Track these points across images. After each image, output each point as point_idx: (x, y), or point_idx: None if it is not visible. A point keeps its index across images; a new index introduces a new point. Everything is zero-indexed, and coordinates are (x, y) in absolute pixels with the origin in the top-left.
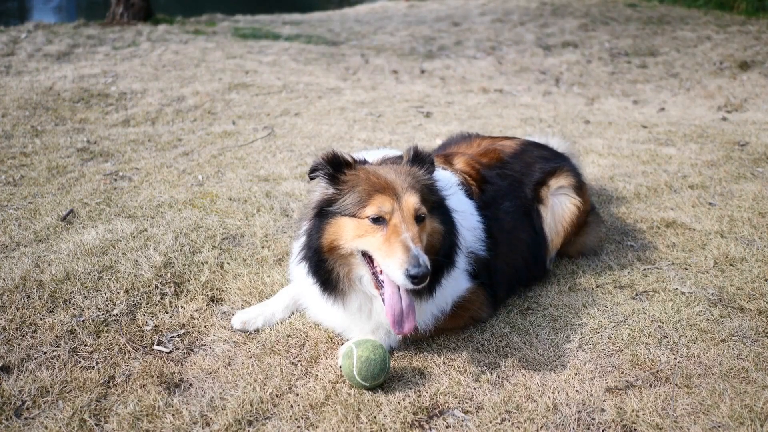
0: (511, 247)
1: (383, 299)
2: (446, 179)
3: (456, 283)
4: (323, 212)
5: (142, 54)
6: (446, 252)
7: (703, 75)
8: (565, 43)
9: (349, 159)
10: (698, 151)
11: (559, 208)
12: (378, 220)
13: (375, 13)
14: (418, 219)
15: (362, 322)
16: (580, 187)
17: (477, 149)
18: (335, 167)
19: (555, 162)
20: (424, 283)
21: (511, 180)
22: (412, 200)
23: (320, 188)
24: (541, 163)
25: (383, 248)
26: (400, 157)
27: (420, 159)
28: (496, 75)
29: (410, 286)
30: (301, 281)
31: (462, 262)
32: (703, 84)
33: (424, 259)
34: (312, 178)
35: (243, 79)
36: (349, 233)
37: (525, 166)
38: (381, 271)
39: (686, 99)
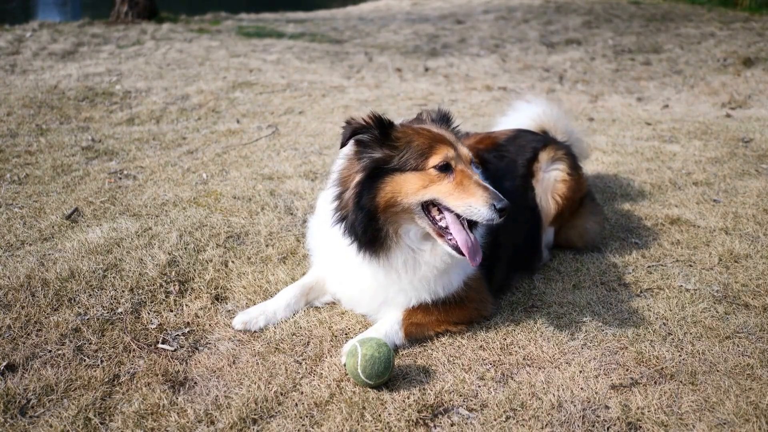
0: (512, 225)
1: (450, 242)
2: None
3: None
4: (378, 172)
5: (146, 53)
6: None
7: (707, 72)
8: (568, 40)
9: (390, 120)
10: (702, 148)
11: (549, 180)
12: (444, 168)
13: (379, 12)
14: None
15: (399, 281)
16: (570, 163)
17: (474, 139)
18: (382, 128)
19: (545, 140)
20: (506, 215)
21: (507, 161)
22: (465, 149)
23: (366, 155)
24: (534, 143)
25: (456, 192)
26: (417, 119)
27: (446, 119)
28: (499, 73)
29: (497, 218)
30: (325, 250)
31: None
32: (706, 81)
33: (501, 195)
34: (356, 141)
35: (247, 78)
36: (412, 186)
37: (519, 148)
38: (441, 219)
39: (690, 96)
